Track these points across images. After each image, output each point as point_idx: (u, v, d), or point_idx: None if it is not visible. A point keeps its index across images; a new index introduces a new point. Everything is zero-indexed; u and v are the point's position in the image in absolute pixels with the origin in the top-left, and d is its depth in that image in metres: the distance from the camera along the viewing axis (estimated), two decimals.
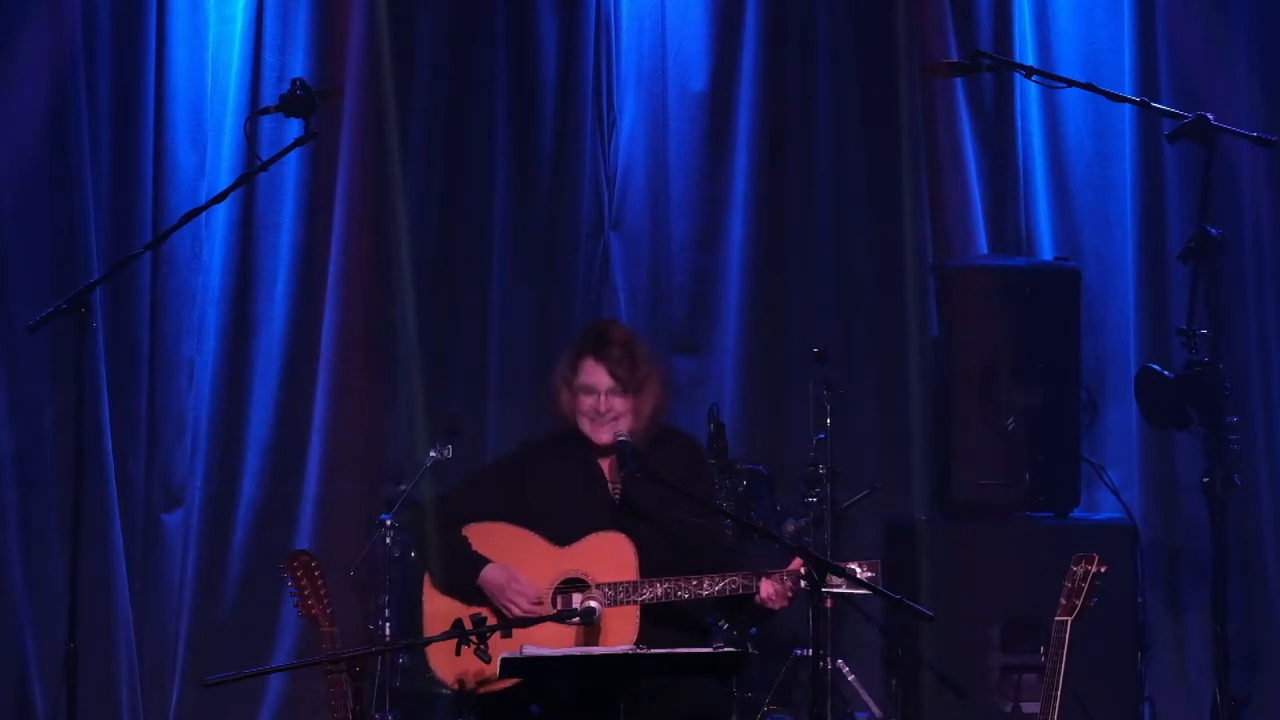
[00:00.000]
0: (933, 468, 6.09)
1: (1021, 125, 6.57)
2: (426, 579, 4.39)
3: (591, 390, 4.37)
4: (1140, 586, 5.68)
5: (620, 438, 4.30)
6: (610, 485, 4.45)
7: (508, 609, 4.24)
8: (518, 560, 4.30)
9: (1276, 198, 6.14)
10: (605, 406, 4.36)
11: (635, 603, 4.20)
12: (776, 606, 4.20)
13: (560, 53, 6.86)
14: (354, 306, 6.48)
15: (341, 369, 6.41)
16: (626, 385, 4.37)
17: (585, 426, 4.39)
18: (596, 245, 6.71)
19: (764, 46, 6.81)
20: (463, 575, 4.30)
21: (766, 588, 4.17)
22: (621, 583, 4.22)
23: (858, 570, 4.12)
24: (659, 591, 4.20)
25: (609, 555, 4.27)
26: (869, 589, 4.11)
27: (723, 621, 5.32)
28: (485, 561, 4.29)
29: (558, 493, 4.42)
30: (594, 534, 4.31)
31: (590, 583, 4.26)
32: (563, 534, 4.33)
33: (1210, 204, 4.45)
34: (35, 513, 5.91)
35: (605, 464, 4.46)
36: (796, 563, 4.16)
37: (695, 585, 4.20)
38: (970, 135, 6.57)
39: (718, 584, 4.19)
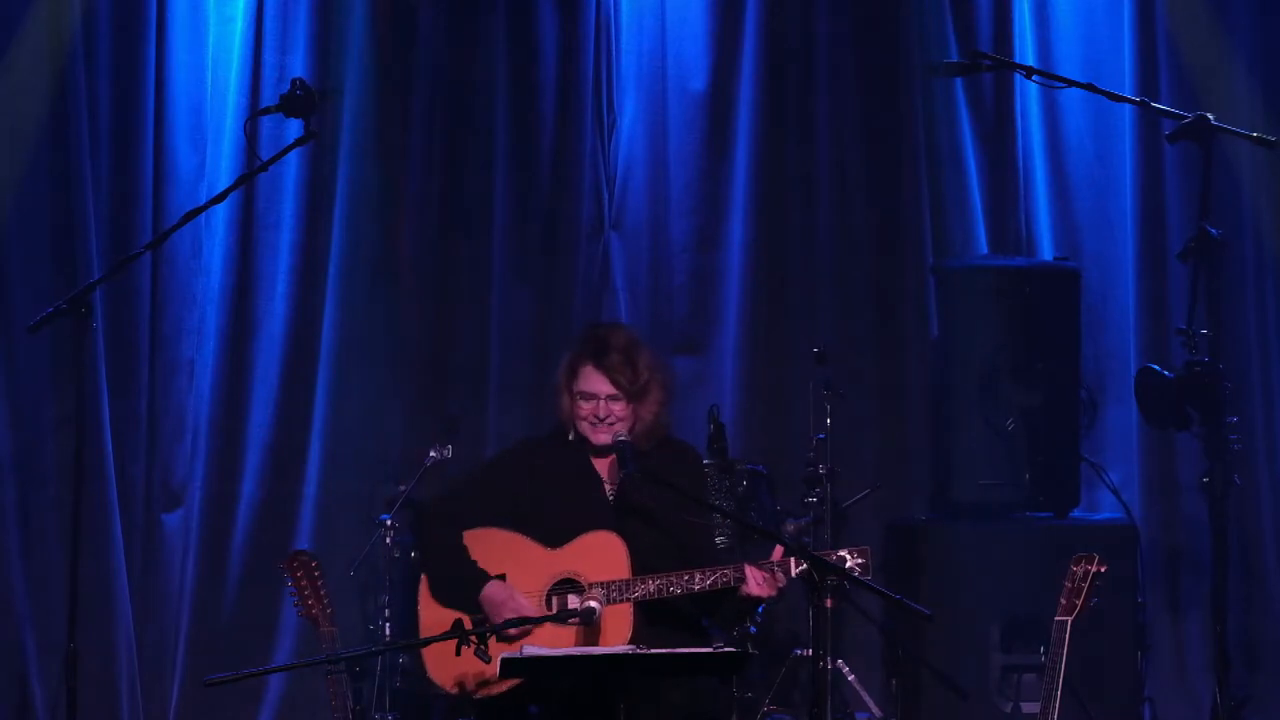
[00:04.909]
0: (933, 468, 6.09)
1: (1021, 125, 6.57)
2: (422, 587, 4.39)
3: (591, 397, 4.36)
4: (1140, 586, 5.68)
5: (620, 438, 4.30)
6: (606, 484, 4.45)
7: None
8: (510, 564, 4.30)
9: (1276, 198, 6.13)
10: (604, 412, 4.35)
11: (628, 600, 4.21)
12: (765, 594, 4.19)
13: (560, 53, 6.86)
14: (354, 306, 6.48)
15: (342, 369, 6.41)
16: (627, 393, 4.36)
17: (585, 430, 4.39)
18: (596, 245, 6.71)
19: (764, 46, 6.81)
20: (463, 589, 4.29)
21: (752, 576, 4.17)
22: (614, 581, 4.22)
23: (848, 558, 4.13)
24: (651, 588, 4.21)
25: (600, 554, 4.28)
26: (867, 586, 4.12)
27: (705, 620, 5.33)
28: (486, 577, 4.28)
29: (552, 491, 4.42)
30: (585, 534, 4.31)
31: (583, 583, 4.26)
32: (555, 534, 4.32)
33: (1210, 204, 4.45)
34: (35, 513, 5.91)
35: (601, 464, 4.46)
36: (778, 551, 4.17)
37: (687, 580, 4.21)
38: (970, 135, 6.57)
39: (708, 578, 4.19)
